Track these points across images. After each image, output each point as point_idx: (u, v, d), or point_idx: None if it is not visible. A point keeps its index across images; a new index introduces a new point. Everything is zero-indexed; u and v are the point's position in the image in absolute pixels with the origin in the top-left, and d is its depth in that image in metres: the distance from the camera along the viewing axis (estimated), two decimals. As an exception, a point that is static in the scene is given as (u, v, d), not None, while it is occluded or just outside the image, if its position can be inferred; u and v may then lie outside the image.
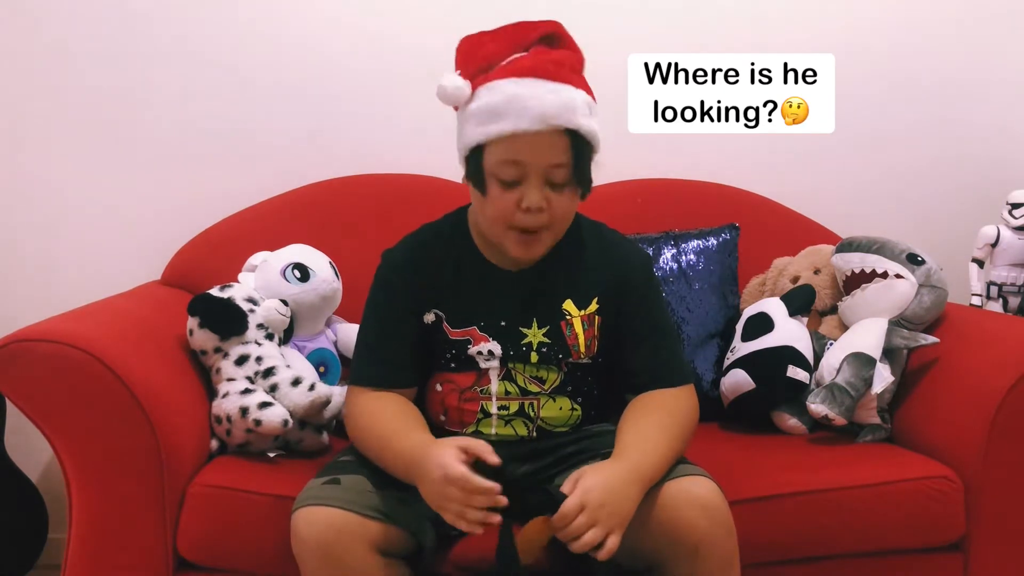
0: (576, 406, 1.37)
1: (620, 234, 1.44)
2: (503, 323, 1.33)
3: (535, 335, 1.33)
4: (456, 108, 1.28)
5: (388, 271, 1.36)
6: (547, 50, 1.26)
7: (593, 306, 1.35)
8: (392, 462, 1.23)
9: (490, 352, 1.32)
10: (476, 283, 1.34)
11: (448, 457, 1.12)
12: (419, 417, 1.31)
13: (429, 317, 1.34)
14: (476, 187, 1.27)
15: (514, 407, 1.34)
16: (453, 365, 1.35)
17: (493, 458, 1.13)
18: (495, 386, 1.34)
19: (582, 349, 1.34)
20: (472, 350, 1.33)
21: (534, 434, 1.35)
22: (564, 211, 1.27)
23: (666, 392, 1.33)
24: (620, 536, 1.13)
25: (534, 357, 1.33)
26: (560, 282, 1.34)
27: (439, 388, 1.37)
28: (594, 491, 1.13)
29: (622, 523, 1.14)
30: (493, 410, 1.34)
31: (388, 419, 1.28)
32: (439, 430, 1.34)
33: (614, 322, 1.36)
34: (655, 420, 1.28)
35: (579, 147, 1.23)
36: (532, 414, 1.34)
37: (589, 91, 1.27)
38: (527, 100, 1.20)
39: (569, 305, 1.34)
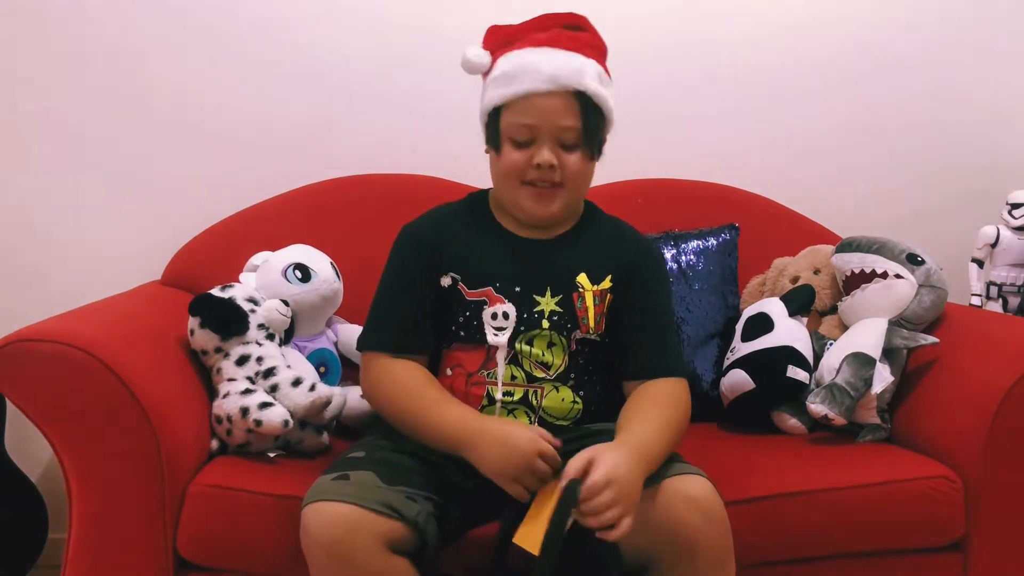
0: (577, 399, 1.38)
1: (637, 230, 1.50)
2: (518, 288, 1.36)
3: (548, 303, 1.36)
4: (484, 78, 1.37)
5: (406, 238, 1.41)
6: (566, 32, 1.35)
7: (606, 283, 1.39)
8: (434, 431, 1.28)
9: (504, 315, 1.35)
10: (494, 247, 1.39)
11: (536, 433, 1.22)
12: (445, 390, 1.35)
13: (446, 280, 1.37)
14: (492, 145, 1.35)
15: (518, 394, 1.36)
16: (463, 334, 1.37)
17: (555, 441, 1.22)
18: (501, 369, 1.35)
19: (591, 323, 1.37)
20: (487, 312, 1.35)
21: (535, 424, 1.35)
22: (576, 171, 1.33)
23: (666, 382, 1.36)
24: (631, 520, 1.15)
25: (545, 324, 1.36)
26: (576, 255, 1.39)
27: (448, 372, 1.39)
28: (619, 468, 1.15)
29: (635, 506, 1.16)
30: (498, 395, 1.35)
31: (421, 387, 1.32)
32: None
33: (622, 304, 1.40)
34: (658, 410, 1.31)
35: (588, 110, 1.31)
36: (535, 403, 1.36)
37: (604, 67, 1.35)
38: (540, 64, 1.29)
39: (583, 278, 1.38)
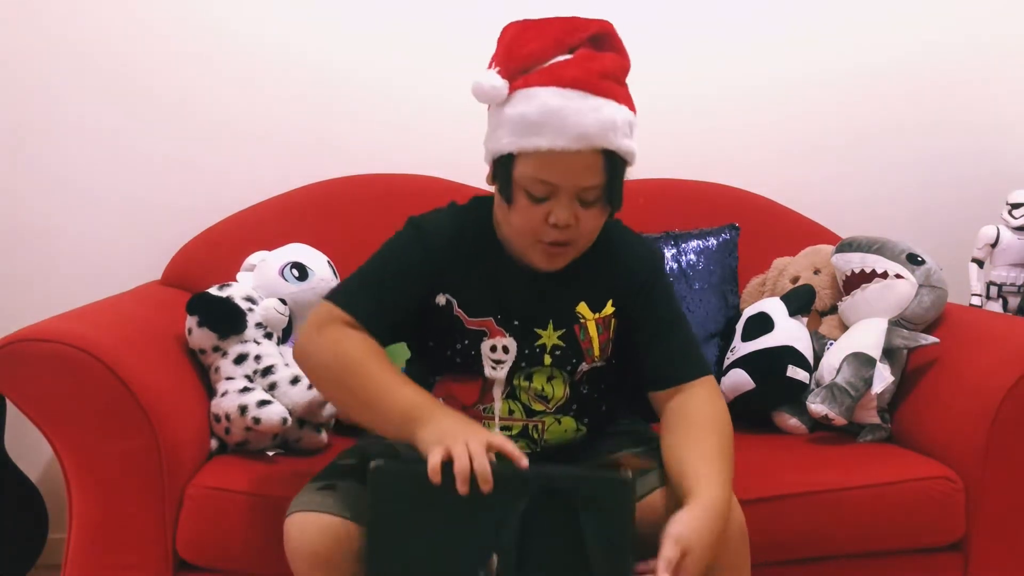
0: (581, 426, 1.33)
1: (634, 233, 1.39)
2: (516, 322, 1.27)
3: (550, 337, 1.28)
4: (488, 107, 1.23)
5: (416, 239, 1.27)
6: (593, 54, 1.20)
7: (608, 309, 1.30)
8: (385, 401, 1.14)
9: (504, 348, 1.27)
10: (493, 276, 1.27)
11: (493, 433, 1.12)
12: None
13: (440, 300, 1.27)
14: (502, 195, 1.22)
15: (517, 428, 1.30)
16: (459, 361, 1.29)
17: (523, 461, 1.07)
18: (498, 405, 1.29)
19: (596, 353, 1.30)
20: (486, 344, 1.27)
21: (538, 450, 1.32)
22: (590, 228, 1.22)
23: (700, 398, 1.26)
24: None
25: (547, 360, 1.28)
26: (575, 284, 1.29)
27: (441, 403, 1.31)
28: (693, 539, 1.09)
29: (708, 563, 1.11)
30: (496, 431, 1.29)
31: (380, 359, 1.18)
32: None
33: (630, 325, 1.32)
34: (716, 446, 1.22)
35: (614, 167, 1.19)
36: (536, 436, 1.31)
37: (631, 104, 1.22)
38: (567, 117, 1.14)
39: (583, 308, 1.29)
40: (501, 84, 1.17)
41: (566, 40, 1.19)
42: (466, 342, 1.28)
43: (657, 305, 1.32)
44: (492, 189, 1.26)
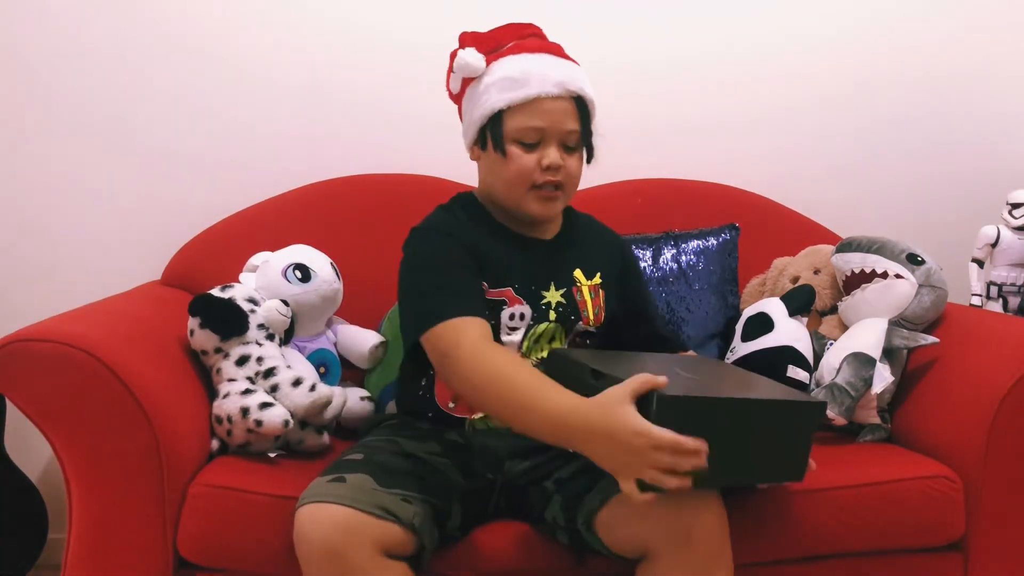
0: None
1: (606, 226, 1.59)
2: (532, 287, 1.41)
3: (553, 296, 1.42)
4: (464, 85, 1.41)
5: (435, 235, 1.39)
6: (540, 39, 1.44)
7: (597, 279, 1.47)
8: (538, 422, 1.19)
9: (520, 316, 1.39)
10: (507, 248, 1.42)
11: (641, 422, 1.09)
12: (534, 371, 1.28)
13: None
14: (497, 150, 1.37)
15: None
16: None
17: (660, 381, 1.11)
18: None
19: (591, 315, 1.45)
20: (505, 312, 1.38)
21: None
22: (575, 172, 1.40)
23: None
24: None
25: (552, 315, 1.41)
26: (571, 254, 1.47)
27: None
28: None
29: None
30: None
31: (514, 373, 1.23)
32: (443, 416, 1.39)
33: (619, 298, 1.50)
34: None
35: (585, 113, 1.38)
36: None
37: None
38: (545, 69, 1.36)
39: (578, 273, 1.46)
40: (481, 56, 1.39)
41: (517, 33, 1.42)
42: (486, 313, 1.36)
43: (646, 289, 1.62)
44: (479, 162, 1.43)
